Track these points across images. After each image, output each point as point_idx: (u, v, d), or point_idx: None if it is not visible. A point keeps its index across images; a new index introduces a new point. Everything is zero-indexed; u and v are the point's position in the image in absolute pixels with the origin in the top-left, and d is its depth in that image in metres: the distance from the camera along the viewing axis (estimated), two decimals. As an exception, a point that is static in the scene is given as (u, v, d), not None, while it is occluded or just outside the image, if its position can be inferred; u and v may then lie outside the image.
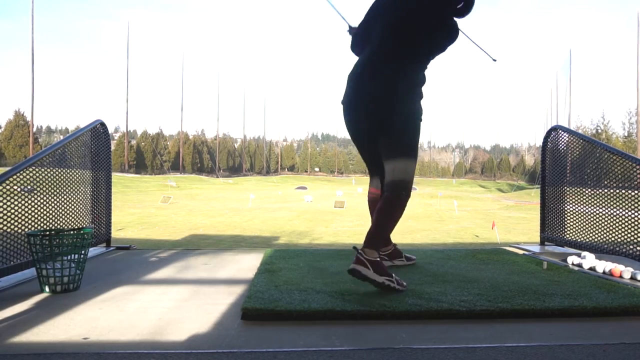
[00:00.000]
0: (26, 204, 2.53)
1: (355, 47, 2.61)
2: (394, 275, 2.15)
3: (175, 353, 1.46)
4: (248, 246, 7.10)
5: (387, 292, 2.08)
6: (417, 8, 2.30)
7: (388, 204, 2.27)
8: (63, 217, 2.92)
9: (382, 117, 2.28)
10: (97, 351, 1.47)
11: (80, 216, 3.16)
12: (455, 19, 2.37)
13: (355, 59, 2.51)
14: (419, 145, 2.38)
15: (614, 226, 3.12)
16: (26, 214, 2.53)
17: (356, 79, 2.37)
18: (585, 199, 3.41)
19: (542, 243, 3.81)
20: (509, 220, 13.26)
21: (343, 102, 2.45)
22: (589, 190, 3.41)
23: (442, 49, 2.37)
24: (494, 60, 2.41)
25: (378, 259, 2.15)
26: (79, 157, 3.21)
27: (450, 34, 2.33)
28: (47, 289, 2.17)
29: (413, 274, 2.52)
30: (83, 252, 2.26)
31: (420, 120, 2.35)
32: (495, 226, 8.88)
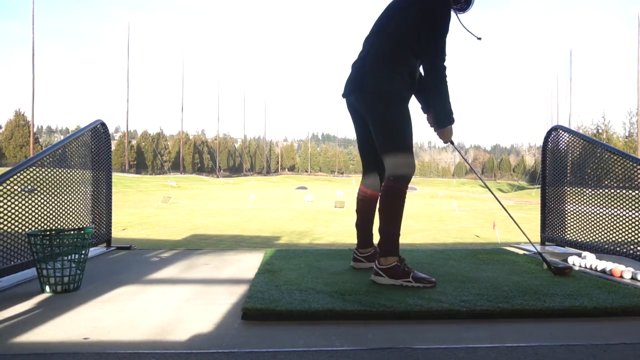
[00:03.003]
0: (27, 204, 2.54)
1: None
2: (413, 273, 2.23)
3: (175, 353, 1.46)
4: (248, 246, 7.10)
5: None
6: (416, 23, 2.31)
7: (385, 197, 2.31)
8: (63, 217, 2.92)
9: (364, 93, 2.36)
10: (98, 351, 1.47)
11: (81, 216, 3.16)
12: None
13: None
14: (412, 137, 2.36)
15: (614, 226, 3.11)
16: (27, 214, 2.53)
17: (359, 63, 2.46)
18: (585, 199, 3.41)
19: (542, 243, 3.81)
20: (509, 220, 13.25)
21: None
22: (590, 190, 3.40)
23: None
24: (479, 38, 2.42)
25: (394, 264, 2.24)
26: (79, 157, 3.21)
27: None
28: (47, 289, 2.17)
29: (413, 274, 2.51)
30: (83, 252, 2.26)
31: (404, 104, 2.36)
32: (496, 226, 8.87)
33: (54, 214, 2.81)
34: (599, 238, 3.22)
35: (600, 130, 53.37)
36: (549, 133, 3.85)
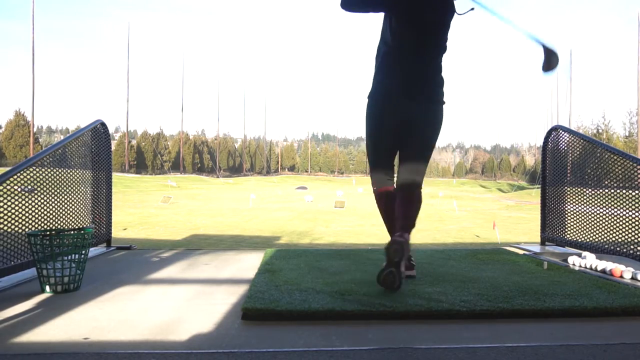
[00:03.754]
0: (27, 204, 2.54)
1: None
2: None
3: (175, 353, 1.46)
4: (248, 246, 7.10)
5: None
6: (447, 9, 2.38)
7: (418, 200, 2.41)
8: (63, 217, 2.92)
9: (429, 104, 2.41)
10: (98, 351, 1.47)
11: (81, 216, 3.16)
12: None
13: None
14: None
15: (614, 226, 3.11)
16: (27, 214, 2.53)
17: (405, 67, 2.39)
18: (585, 199, 3.41)
19: (542, 243, 3.80)
20: (509, 220, 13.25)
21: (378, 92, 2.45)
22: (590, 190, 3.40)
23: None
24: (472, 9, 2.39)
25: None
26: (79, 157, 3.21)
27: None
28: (47, 289, 2.17)
29: (413, 274, 2.52)
30: (83, 252, 2.26)
31: None
32: (496, 226, 8.87)
33: (54, 214, 2.80)
34: (599, 238, 3.22)
35: (600, 130, 53.36)
36: (549, 133, 3.84)
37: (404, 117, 2.40)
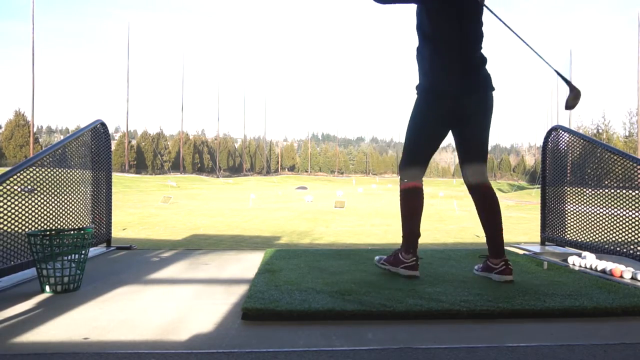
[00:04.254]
0: (26, 204, 2.53)
1: None
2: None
3: (175, 353, 1.46)
4: (248, 246, 7.10)
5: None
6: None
7: (496, 204, 2.45)
8: (63, 217, 2.92)
9: (488, 93, 2.45)
10: (98, 351, 1.47)
11: (81, 216, 3.16)
12: None
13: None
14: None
15: (614, 226, 3.11)
16: (26, 214, 2.53)
17: (466, 62, 2.42)
18: (585, 199, 3.41)
19: (542, 243, 3.80)
20: (509, 220, 13.25)
21: (434, 87, 2.46)
22: (590, 190, 3.40)
23: None
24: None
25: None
26: (79, 157, 3.21)
27: None
28: (47, 289, 2.17)
29: (413, 274, 2.51)
30: (83, 252, 2.26)
31: None
32: None
33: (54, 214, 2.80)
34: (599, 238, 3.22)
35: (600, 130, 53.35)
36: (549, 133, 3.84)
37: (463, 111, 2.43)
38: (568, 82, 2.29)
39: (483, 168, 2.49)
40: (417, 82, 2.54)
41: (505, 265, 2.36)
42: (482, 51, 2.46)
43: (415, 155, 2.53)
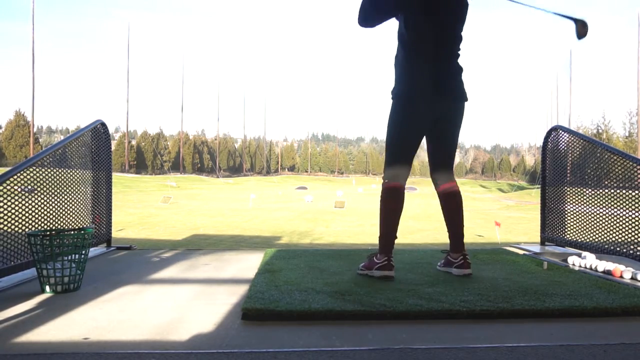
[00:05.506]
0: (27, 204, 2.54)
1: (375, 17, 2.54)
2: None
3: (175, 353, 1.46)
4: (248, 246, 7.10)
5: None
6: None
7: (460, 199, 2.64)
8: (63, 217, 2.92)
9: (461, 103, 2.56)
10: (98, 351, 1.47)
11: (81, 216, 3.16)
12: None
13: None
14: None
15: (614, 226, 3.11)
16: (27, 214, 2.53)
17: (442, 69, 2.50)
18: (585, 199, 3.41)
19: (542, 243, 3.80)
20: (509, 220, 13.25)
21: (411, 91, 2.49)
22: (590, 190, 3.40)
23: None
24: None
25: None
26: (79, 157, 3.21)
27: None
28: (47, 289, 2.17)
29: (413, 274, 2.52)
30: (83, 252, 2.26)
31: None
32: (497, 226, 8.83)
33: (54, 214, 2.81)
34: (599, 238, 3.22)
35: (600, 130, 53.32)
36: (549, 133, 3.84)
37: (436, 115, 2.51)
38: (570, 17, 2.41)
39: (451, 169, 2.67)
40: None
41: (464, 260, 2.48)
42: (459, 60, 2.56)
43: (394, 156, 2.58)
